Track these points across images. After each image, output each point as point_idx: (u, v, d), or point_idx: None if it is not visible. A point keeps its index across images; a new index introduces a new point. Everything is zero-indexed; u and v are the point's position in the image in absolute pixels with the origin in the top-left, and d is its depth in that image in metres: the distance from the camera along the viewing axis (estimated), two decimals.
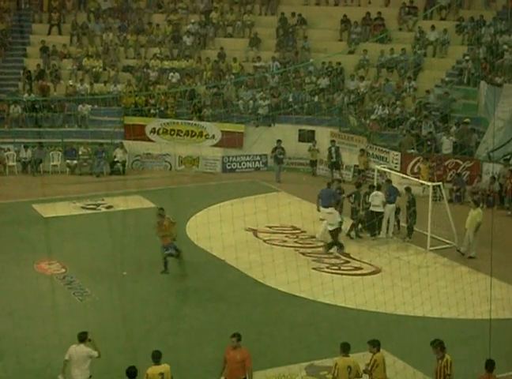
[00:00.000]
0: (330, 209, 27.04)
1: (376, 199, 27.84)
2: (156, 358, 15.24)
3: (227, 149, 37.85)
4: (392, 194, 28.04)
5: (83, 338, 16.14)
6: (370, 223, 27.89)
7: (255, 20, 44.39)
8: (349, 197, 28.55)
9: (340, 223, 26.86)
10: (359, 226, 28.45)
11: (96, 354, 16.09)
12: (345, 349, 15.63)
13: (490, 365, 15.41)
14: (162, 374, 15.07)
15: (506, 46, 38.21)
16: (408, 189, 28.11)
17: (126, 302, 21.50)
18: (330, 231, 26.77)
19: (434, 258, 26.09)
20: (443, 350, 15.46)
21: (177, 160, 37.80)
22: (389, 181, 29.12)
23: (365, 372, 15.79)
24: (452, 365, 15.40)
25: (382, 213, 27.81)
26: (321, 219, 27.71)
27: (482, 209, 26.98)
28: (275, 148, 36.20)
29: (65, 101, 39.26)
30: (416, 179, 30.54)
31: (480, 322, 20.01)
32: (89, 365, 16.05)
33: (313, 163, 36.97)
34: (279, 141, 36.24)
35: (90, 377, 16.10)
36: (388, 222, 28.13)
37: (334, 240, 26.65)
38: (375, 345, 15.79)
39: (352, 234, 28.12)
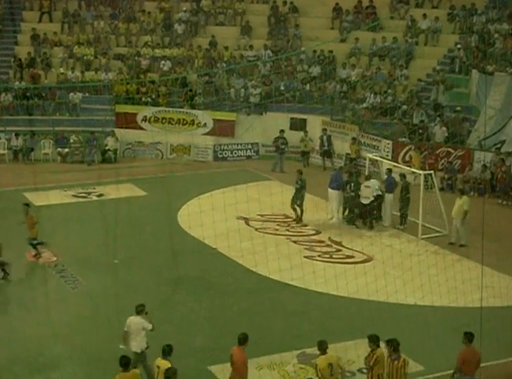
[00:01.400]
0: (367, 183, 27.76)
1: (368, 189, 27.95)
2: (165, 352, 15.24)
3: (218, 137, 37.82)
4: (390, 184, 28.02)
5: (140, 310, 16.74)
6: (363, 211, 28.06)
7: (247, 8, 44.30)
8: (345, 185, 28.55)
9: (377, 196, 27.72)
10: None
11: (150, 326, 16.71)
12: (323, 347, 15.49)
13: (469, 337, 15.78)
14: (159, 368, 15.08)
15: (497, 35, 38.23)
16: (402, 176, 28.06)
17: (117, 291, 21.51)
18: (367, 205, 27.55)
19: (425, 246, 26.14)
20: (399, 350, 15.42)
21: (168, 149, 37.73)
22: (390, 170, 29.01)
23: (365, 365, 15.81)
24: (408, 364, 15.44)
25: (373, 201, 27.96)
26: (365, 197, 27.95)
27: (473, 197, 27.01)
28: (277, 138, 36.04)
29: (56, 89, 39.14)
30: (408, 168, 30.58)
31: (471, 310, 20.10)
32: (144, 336, 16.68)
33: (304, 154, 36.75)
34: (282, 131, 36.09)
35: (147, 347, 16.74)
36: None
37: (378, 211, 27.81)
38: (375, 341, 15.62)
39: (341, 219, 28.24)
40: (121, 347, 16.86)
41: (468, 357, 15.76)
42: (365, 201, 27.79)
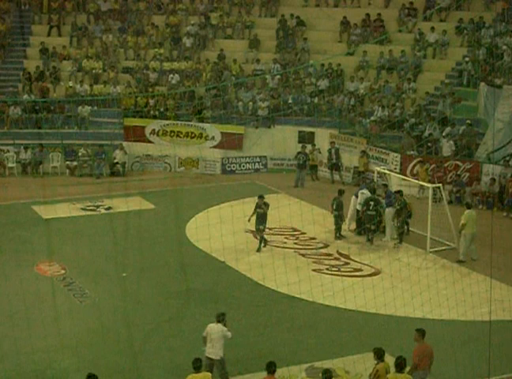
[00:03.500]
0: (363, 190, 28.12)
1: (361, 197, 28.03)
2: (197, 365, 15.27)
3: (226, 151, 37.87)
4: (389, 197, 27.96)
5: (221, 318, 17.05)
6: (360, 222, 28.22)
7: (255, 21, 44.40)
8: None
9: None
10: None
11: (230, 334, 16.95)
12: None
13: (422, 333, 16.30)
14: None
15: (505, 47, 38.23)
16: (398, 192, 27.92)
17: (126, 304, 21.52)
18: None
19: (434, 260, 26.08)
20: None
21: (177, 162, 37.80)
22: (385, 185, 29.05)
23: None
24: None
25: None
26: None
27: (481, 210, 26.91)
28: (299, 153, 35.83)
29: (64, 102, 39.29)
30: (416, 181, 30.60)
31: (479, 324, 20.01)
32: (223, 344, 16.86)
33: (313, 167, 36.62)
34: (303, 147, 36.01)
35: (224, 355, 16.89)
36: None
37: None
38: (379, 355, 15.65)
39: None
40: (203, 349, 17.14)
41: (422, 352, 16.12)
42: (359, 208, 28.05)
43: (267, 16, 44.95)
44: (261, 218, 26.50)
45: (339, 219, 28.13)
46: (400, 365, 15.14)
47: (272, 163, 38.07)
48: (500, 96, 34.97)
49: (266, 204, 26.61)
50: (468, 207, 26.45)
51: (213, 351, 16.91)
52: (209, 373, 15.32)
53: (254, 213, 26.52)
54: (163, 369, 18.17)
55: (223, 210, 28.18)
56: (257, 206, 26.59)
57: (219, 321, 17.05)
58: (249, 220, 26.54)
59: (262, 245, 26.60)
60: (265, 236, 26.84)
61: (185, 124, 38.36)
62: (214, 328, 16.99)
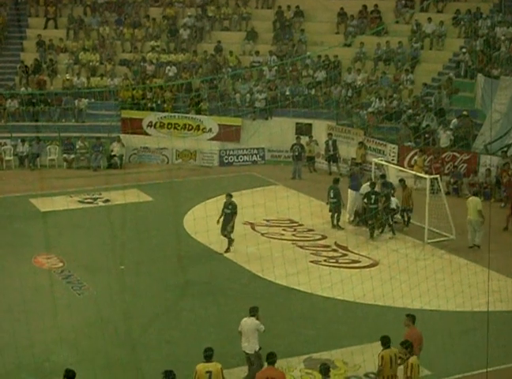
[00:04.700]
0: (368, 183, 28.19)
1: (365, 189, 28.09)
2: (208, 354, 15.18)
3: (224, 143, 37.82)
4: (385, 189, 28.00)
5: (254, 312, 17.13)
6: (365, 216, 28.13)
7: (252, 13, 44.35)
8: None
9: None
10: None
11: (263, 328, 17.03)
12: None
13: (412, 318, 16.57)
14: (210, 372, 15.00)
15: (503, 38, 38.19)
16: (384, 185, 27.98)
17: (124, 296, 21.52)
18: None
19: (431, 251, 26.09)
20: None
21: (174, 154, 37.75)
22: (383, 176, 29.07)
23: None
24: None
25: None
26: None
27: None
28: (294, 145, 35.76)
29: (62, 95, 39.22)
30: (413, 172, 30.64)
31: (477, 314, 20.08)
32: (257, 338, 16.97)
33: (310, 159, 36.60)
34: (298, 138, 36.04)
35: (260, 348, 16.95)
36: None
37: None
38: (383, 342, 15.72)
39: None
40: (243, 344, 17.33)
41: (412, 337, 16.15)
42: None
43: (264, 7, 44.87)
44: (227, 219, 25.50)
45: (339, 207, 28.15)
46: (411, 348, 15.35)
47: (269, 154, 38.05)
48: (497, 87, 34.95)
49: (233, 205, 25.61)
50: (474, 194, 26.75)
51: (247, 345, 17.04)
52: (219, 364, 15.19)
53: (222, 214, 25.55)
54: (162, 361, 18.17)
55: (220, 202, 28.08)
56: (225, 206, 25.77)
57: (252, 315, 17.13)
58: (218, 222, 25.36)
59: (226, 247, 25.70)
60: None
61: (182, 116, 38.30)
62: (247, 322, 17.10)
